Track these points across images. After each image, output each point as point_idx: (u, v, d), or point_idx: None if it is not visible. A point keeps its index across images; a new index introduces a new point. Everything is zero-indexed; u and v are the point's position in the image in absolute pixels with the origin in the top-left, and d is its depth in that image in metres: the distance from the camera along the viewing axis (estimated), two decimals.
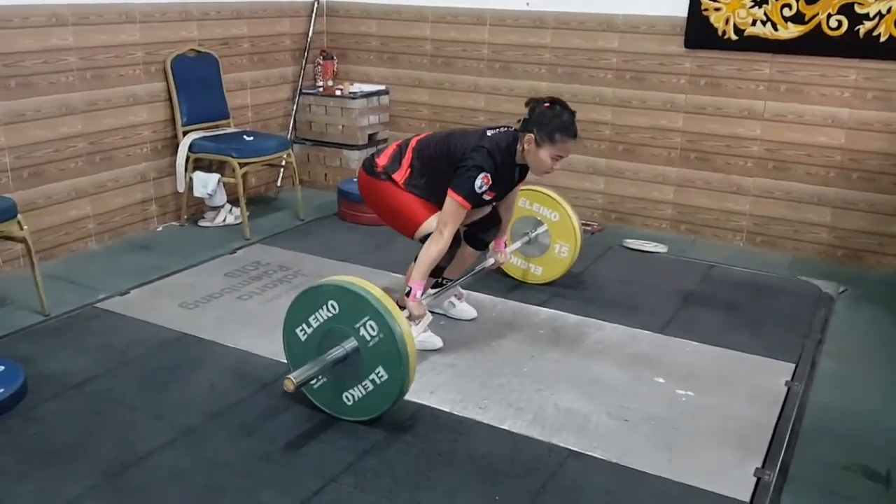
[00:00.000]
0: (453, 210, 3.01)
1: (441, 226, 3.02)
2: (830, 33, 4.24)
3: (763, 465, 2.57)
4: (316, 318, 2.70)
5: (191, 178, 4.65)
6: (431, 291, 3.31)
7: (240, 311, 3.58)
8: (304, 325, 2.73)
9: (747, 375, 3.15)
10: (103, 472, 2.43)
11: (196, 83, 4.71)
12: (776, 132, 4.54)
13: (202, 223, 4.82)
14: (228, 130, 4.88)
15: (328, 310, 2.66)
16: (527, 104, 3.10)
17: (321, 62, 5.59)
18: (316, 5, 5.54)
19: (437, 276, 3.37)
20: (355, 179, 5.02)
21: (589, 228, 4.89)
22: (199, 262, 4.15)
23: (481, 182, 2.99)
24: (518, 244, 3.83)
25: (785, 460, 2.60)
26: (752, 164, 4.64)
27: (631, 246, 4.62)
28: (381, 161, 3.23)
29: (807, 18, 4.27)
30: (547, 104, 3.03)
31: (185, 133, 4.66)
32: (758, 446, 2.66)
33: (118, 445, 2.56)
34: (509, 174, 3.18)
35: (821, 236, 4.56)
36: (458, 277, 3.46)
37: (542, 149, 3.01)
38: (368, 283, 2.66)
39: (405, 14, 5.42)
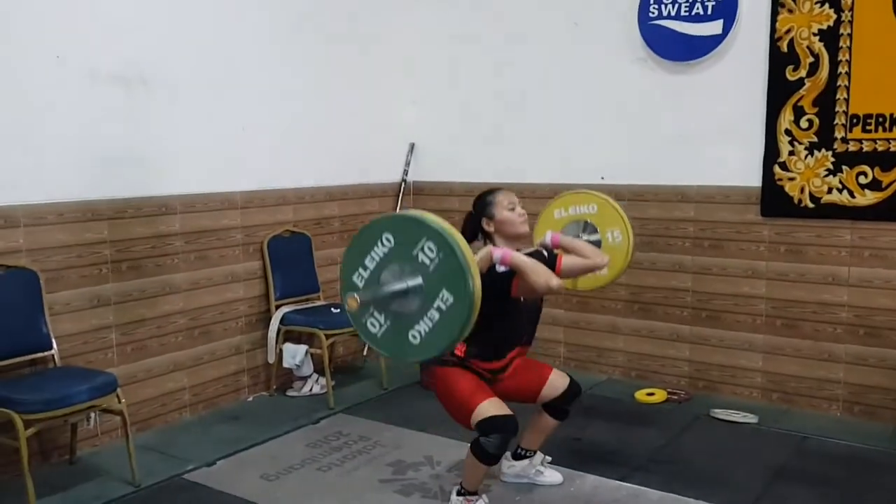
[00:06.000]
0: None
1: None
2: None
3: None
4: (371, 258, 2.59)
5: (281, 350, 4.87)
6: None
7: (318, 483, 3.63)
8: (360, 270, 2.61)
9: None
10: None
11: (290, 260, 5.03)
12: (864, 298, 4.43)
13: (290, 393, 4.98)
14: (318, 303, 5.13)
15: (383, 244, 2.56)
16: (465, 224, 3.31)
17: None
18: (403, 185, 5.90)
19: (512, 449, 3.36)
20: None
21: (676, 397, 4.80)
22: (284, 433, 4.26)
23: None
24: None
25: None
26: (843, 331, 4.50)
27: (718, 416, 4.48)
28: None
29: (884, 185, 4.26)
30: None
31: (277, 307, 4.92)
32: None
33: None
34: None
35: None
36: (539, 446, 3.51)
37: (496, 217, 3.23)
38: (420, 210, 2.63)
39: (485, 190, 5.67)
